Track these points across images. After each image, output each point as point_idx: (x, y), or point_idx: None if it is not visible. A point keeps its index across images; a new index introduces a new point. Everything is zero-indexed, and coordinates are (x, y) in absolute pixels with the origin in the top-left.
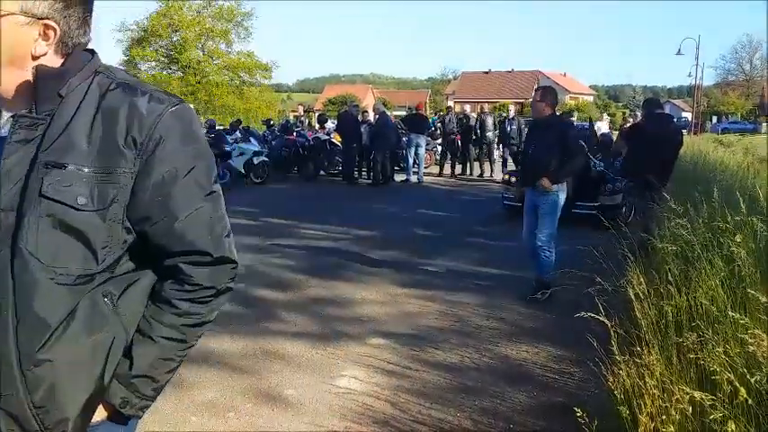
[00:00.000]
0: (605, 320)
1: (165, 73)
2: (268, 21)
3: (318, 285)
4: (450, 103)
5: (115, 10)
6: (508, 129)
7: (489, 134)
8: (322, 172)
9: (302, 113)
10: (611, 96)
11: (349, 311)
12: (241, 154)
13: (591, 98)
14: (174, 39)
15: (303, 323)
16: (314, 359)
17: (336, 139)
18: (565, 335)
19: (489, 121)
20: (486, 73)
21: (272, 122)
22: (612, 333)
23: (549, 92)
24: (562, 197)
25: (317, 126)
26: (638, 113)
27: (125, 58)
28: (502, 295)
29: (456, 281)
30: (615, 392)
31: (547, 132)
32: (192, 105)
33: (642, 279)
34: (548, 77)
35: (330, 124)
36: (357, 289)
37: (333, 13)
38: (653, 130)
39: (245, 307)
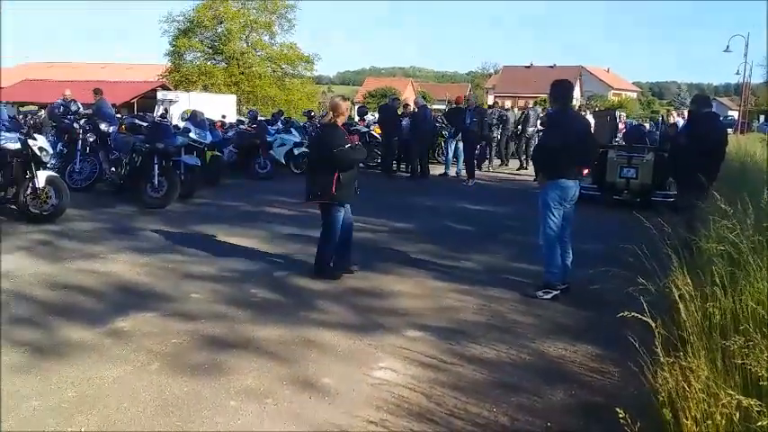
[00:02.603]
0: (649, 321)
1: (209, 63)
2: (311, 12)
3: (356, 276)
4: (491, 99)
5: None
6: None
7: (530, 129)
8: (361, 164)
9: None
10: (654, 93)
11: (386, 303)
12: (282, 144)
13: (634, 95)
14: (219, 30)
15: (341, 313)
16: (351, 349)
17: (376, 131)
18: (604, 334)
19: (532, 115)
20: (528, 67)
21: (312, 114)
22: (657, 334)
23: (554, 85)
24: (552, 194)
25: (356, 118)
26: (684, 111)
27: (171, 49)
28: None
29: (493, 275)
30: (659, 394)
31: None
32: (235, 95)
33: (687, 280)
34: (590, 73)
35: (370, 117)
36: (394, 281)
37: (374, 6)
38: (700, 128)
39: (284, 296)
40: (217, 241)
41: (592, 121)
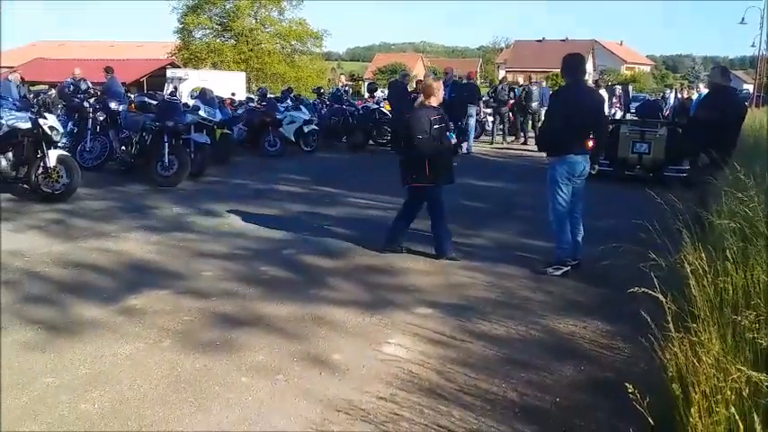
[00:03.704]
0: (660, 296)
1: (218, 41)
2: None
3: (366, 254)
4: (502, 73)
5: None
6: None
7: (534, 104)
8: (371, 141)
9: (344, 84)
10: (668, 67)
11: (396, 280)
12: (292, 122)
13: (648, 69)
14: (228, 6)
15: (351, 290)
16: (361, 326)
17: (386, 108)
18: (614, 310)
19: (535, 90)
20: (540, 42)
21: (322, 91)
22: (667, 309)
23: (566, 59)
24: (559, 170)
25: (366, 95)
26: (700, 85)
27: (180, 26)
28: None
29: (503, 252)
30: (668, 370)
31: None
32: (244, 73)
33: (699, 255)
34: (603, 47)
35: (380, 93)
36: (404, 258)
37: None
38: (719, 101)
39: (294, 273)
40: (227, 219)
41: (606, 95)
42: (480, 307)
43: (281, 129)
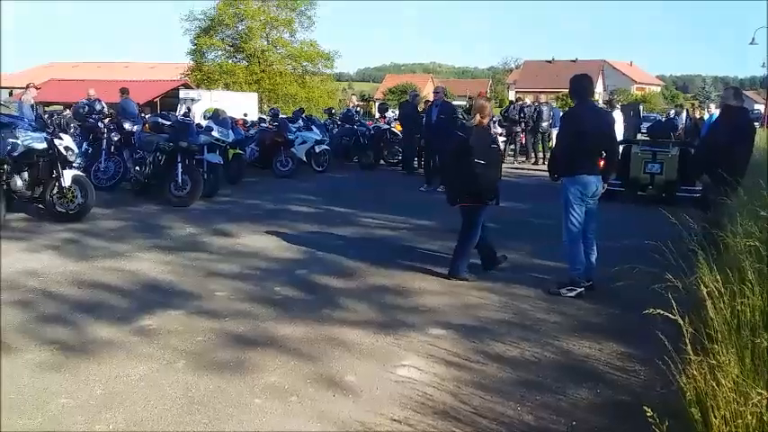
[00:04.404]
0: (677, 318)
1: (230, 62)
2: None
3: (378, 274)
4: (512, 93)
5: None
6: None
7: (544, 124)
8: (382, 161)
9: (355, 104)
10: (679, 87)
11: (409, 301)
12: (303, 142)
13: (658, 89)
14: (240, 28)
15: (363, 311)
16: (374, 347)
17: (397, 128)
18: (629, 332)
19: (545, 110)
20: (550, 62)
21: (333, 111)
22: (685, 331)
23: (573, 81)
24: (572, 190)
25: (377, 115)
26: (712, 105)
27: (192, 47)
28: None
29: (516, 272)
30: (687, 393)
31: None
32: (256, 93)
33: (715, 277)
34: (613, 67)
35: (391, 113)
36: (417, 278)
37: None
38: (734, 122)
39: (306, 293)
40: (239, 239)
41: (620, 116)
42: (494, 328)
43: (292, 149)
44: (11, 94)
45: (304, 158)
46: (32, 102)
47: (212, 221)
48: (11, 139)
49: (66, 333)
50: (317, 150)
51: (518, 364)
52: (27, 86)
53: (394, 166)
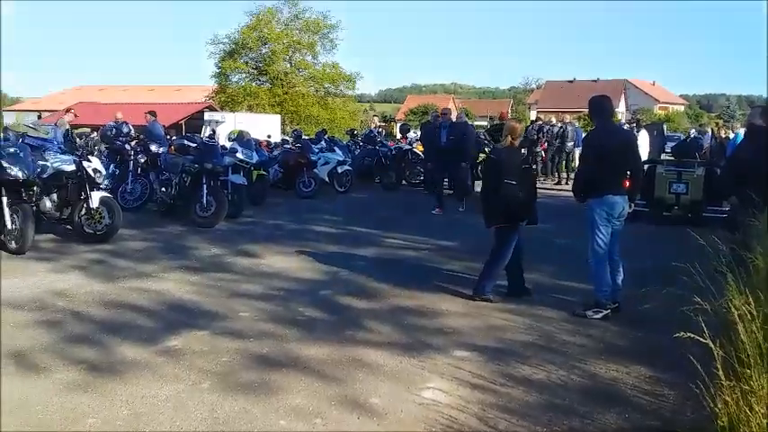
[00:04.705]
0: (708, 342)
1: (254, 84)
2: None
3: (401, 295)
4: (533, 113)
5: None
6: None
7: (569, 144)
8: (404, 181)
9: (377, 125)
10: (703, 106)
11: (433, 322)
12: (326, 163)
13: (682, 108)
14: (263, 51)
15: (387, 332)
16: (399, 369)
17: (418, 149)
18: (657, 355)
19: (570, 130)
20: (571, 82)
21: (355, 132)
22: (716, 356)
23: (592, 102)
24: (598, 211)
25: (399, 136)
26: (738, 124)
27: (217, 71)
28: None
29: (541, 294)
30: (718, 419)
31: None
32: (279, 115)
33: (746, 299)
34: (635, 86)
35: (412, 134)
36: (440, 300)
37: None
38: (753, 142)
39: (330, 314)
40: (263, 259)
41: (646, 136)
42: (519, 350)
43: (315, 170)
44: (39, 117)
45: (326, 179)
46: (67, 126)
47: (236, 242)
48: (40, 162)
49: (94, 353)
50: (340, 171)
51: (544, 387)
52: (66, 110)
53: (416, 187)
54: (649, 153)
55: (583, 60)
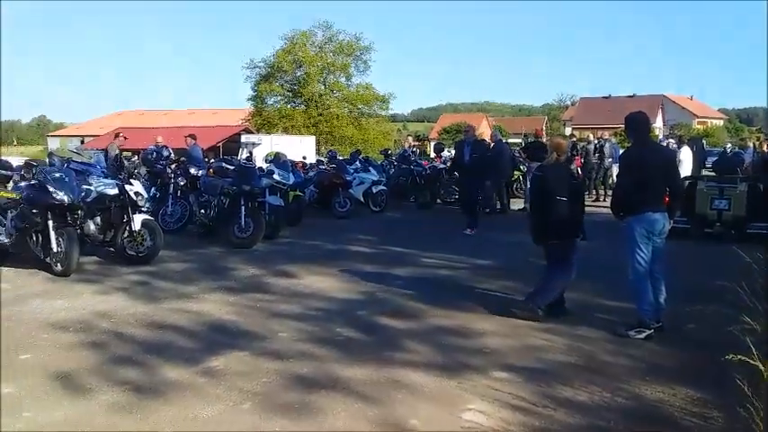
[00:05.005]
0: (758, 364)
1: (289, 106)
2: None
3: (438, 314)
4: (569, 130)
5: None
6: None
7: (608, 160)
8: (439, 200)
9: (411, 144)
10: (742, 120)
11: (471, 342)
12: (361, 183)
13: (721, 122)
14: (298, 74)
15: (425, 352)
16: (438, 390)
17: None
18: (704, 376)
19: (608, 146)
20: (606, 98)
21: (389, 152)
22: (766, 377)
23: (628, 119)
24: (638, 228)
25: (433, 155)
26: None
27: (253, 93)
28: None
29: (581, 313)
30: None
31: None
32: (314, 136)
33: None
34: (672, 101)
35: (446, 153)
36: (478, 319)
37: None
38: None
39: (368, 334)
40: (301, 280)
41: (689, 152)
42: (560, 371)
43: (350, 190)
44: (82, 142)
45: (362, 199)
46: (117, 150)
47: (274, 262)
48: (85, 186)
49: (137, 374)
50: (375, 191)
51: (587, 409)
52: (115, 135)
53: (450, 205)
54: (692, 169)
55: (618, 76)
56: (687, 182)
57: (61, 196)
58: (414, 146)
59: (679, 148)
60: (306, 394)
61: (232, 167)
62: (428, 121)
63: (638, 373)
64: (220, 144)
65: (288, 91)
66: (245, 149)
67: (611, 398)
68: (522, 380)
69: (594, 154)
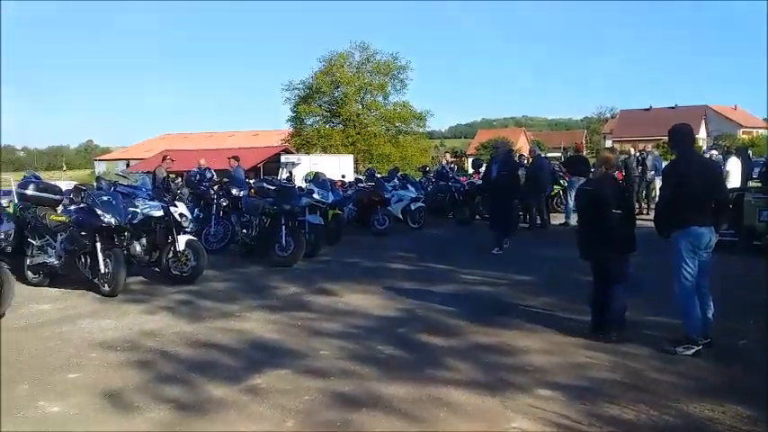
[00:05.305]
0: None
1: (327, 126)
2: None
3: (480, 332)
4: (609, 143)
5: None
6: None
7: (650, 173)
8: (477, 216)
9: (449, 161)
10: None
11: (513, 360)
12: (399, 200)
13: (767, 132)
14: (336, 94)
15: (467, 370)
16: (481, 408)
17: None
18: (755, 393)
19: (650, 159)
20: (647, 110)
21: (427, 169)
22: None
23: (672, 132)
24: (683, 243)
25: (471, 171)
26: None
27: (292, 114)
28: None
29: (626, 330)
30: None
31: None
32: (352, 155)
33: None
34: (716, 112)
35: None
36: (520, 336)
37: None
38: None
39: (409, 352)
40: (341, 297)
41: (737, 163)
42: (605, 389)
43: (389, 207)
44: (128, 165)
45: (400, 216)
46: (165, 173)
47: (314, 281)
48: (131, 208)
49: (182, 392)
50: (413, 208)
51: (634, 428)
52: (163, 158)
53: (489, 221)
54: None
55: (659, 88)
56: (734, 194)
57: (109, 219)
58: (451, 162)
59: (726, 158)
60: (348, 412)
61: (273, 188)
62: (465, 137)
63: (687, 391)
64: (260, 165)
65: (326, 111)
66: (285, 169)
67: (658, 416)
68: (567, 398)
69: (637, 167)
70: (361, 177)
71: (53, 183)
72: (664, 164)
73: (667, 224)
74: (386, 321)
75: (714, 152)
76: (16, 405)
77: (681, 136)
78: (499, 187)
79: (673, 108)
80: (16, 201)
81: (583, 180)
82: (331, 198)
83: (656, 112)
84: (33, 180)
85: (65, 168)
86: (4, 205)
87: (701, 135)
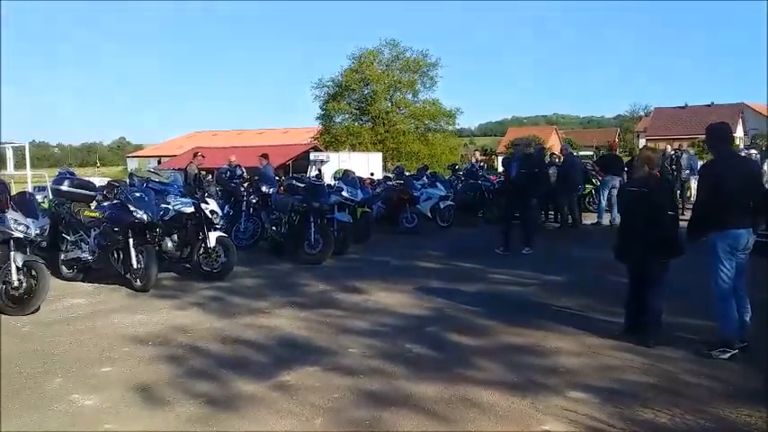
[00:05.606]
0: None
1: (356, 124)
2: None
3: (510, 332)
4: (642, 142)
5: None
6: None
7: (686, 172)
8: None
9: (478, 159)
10: None
11: (544, 361)
12: (428, 198)
13: None
14: (365, 92)
15: (497, 370)
16: (511, 409)
17: None
18: None
19: (684, 158)
20: (683, 108)
21: (457, 167)
22: None
23: (709, 130)
24: (721, 245)
25: (500, 169)
26: None
27: (321, 112)
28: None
29: (660, 332)
30: None
31: None
32: (381, 153)
33: None
34: (753, 110)
35: None
36: (551, 337)
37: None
38: None
39: (438, 351)
40: (369, 295)
41: None
42: (639, 392)
43: (417, 205)
44: (159, 162)
45: (429, 214)
46: (196, 171)
47: (343, 278)
48: (163, 205)
49: (213, 387)
50: (442, 206)
51: None
52: (194, 155)
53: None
54: None
55: (694, 84)
56: None
57: (141, 215)
58: (480, 160)
59: (764, 158)
60: (376, 411)
61: (302, 185)
62: (495, 135)
63: (723, 395)
64: (290, 162)
65: (355, 109)
66: (314, 167)
67: (693, 420)
68: (599, 400)
69: (671, 166)
70: (390, 175)
71: (87, 179)
72: (699, 163)
73: (704, 226)
74: (415, 320)
75: (753, 151)
76: (50, 398)
77: (718, 135)
78: (516, 186)
79: (709, 106)
80: (51, 196)
81: (616, 179)
82: (360, 196)
83: (691, 109)
84: (68, 176)
85: (98, 165)
86: (40, 201)
87: (739, 134)
